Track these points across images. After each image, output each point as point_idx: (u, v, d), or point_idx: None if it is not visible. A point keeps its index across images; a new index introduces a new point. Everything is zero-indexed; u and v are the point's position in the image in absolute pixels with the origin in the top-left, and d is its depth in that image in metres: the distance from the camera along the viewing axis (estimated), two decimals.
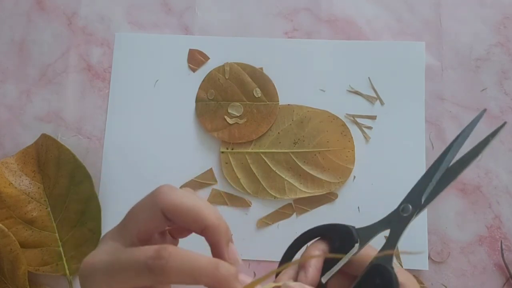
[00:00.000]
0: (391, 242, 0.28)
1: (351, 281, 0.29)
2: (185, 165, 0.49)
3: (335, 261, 0.29)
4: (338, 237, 0.30)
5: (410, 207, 0.29)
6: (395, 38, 0.51)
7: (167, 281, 0.22)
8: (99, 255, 0.25)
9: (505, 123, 0.27)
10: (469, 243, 0.46)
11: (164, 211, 0.24)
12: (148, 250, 0.23)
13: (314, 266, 0.29)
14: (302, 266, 0.29)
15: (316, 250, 0.29)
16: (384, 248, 0.28)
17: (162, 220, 0.25)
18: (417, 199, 0.28)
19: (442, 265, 0.46)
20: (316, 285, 0.29)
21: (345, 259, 0.29)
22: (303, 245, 0.32)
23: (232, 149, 0.49)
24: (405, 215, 0.28)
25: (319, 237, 0.31)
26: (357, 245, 0.28)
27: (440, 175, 0.28)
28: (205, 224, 0.24)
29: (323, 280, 0.29)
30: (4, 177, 0.48)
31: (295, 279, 0.29)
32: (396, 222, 0.29)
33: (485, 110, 0.29)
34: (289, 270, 0.30)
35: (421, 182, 0.29)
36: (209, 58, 0.51)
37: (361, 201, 0.47)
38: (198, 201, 0.25)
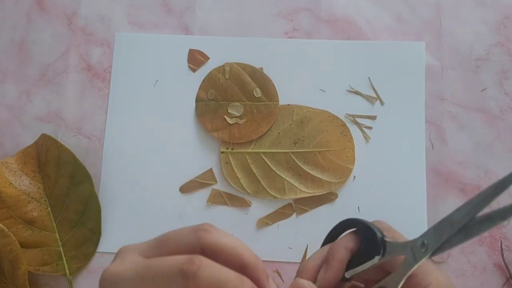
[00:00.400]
0: (401, 272, 0.26)
1: (380, 275, 0.29)
2: (185, 165, 0.49)
3: (362, 260, 0.28)
4: (365, 241, 0.29)
5: (426, 245, 0.26)
6: (395, 38, 0.51)
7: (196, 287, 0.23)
8: (126, 264, 0.25)
9: None
10: (469, 243, 0.46)
11: (205, 248, 0.25)
12: (181, 257, 0.23)
13: (335, 267, 0.28)
14: (326, 261, 0.29)
15: (343, 248, 0.29)
16: (395, 274, 0.27)
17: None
18: (436, 240, 0.25)
19: (442, 265, 0.46)
20: (337, 281, 0.29)
21: (364, 267, 0.28)
22: (340, 234, 0.31)
23: (232, 149, 0.49)
24: (422, 251, 0.26)
25: (354, 229, 0.30)
26: (377, 257, 0.27)
27: (465, 222, 0.25)
28: (245, 263, 0.25)
29: (347, 275, 0.29)
30: (4, 177, 0.48)
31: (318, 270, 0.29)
32: (412, 253, 0.26)
33: None
34: (316, 259, 0.30)
35: (450, 219, 0.26)
36: (209, 58, 0.51)
37: (361, 201, 0.47)
38: (237, 241, 0.25)
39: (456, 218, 0.25)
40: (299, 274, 0.30)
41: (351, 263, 0.29)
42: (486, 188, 0.24)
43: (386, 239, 0.28)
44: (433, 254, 0.25)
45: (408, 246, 0.27)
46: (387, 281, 0.27)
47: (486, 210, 0.24)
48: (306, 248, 0.47)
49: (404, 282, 0.27)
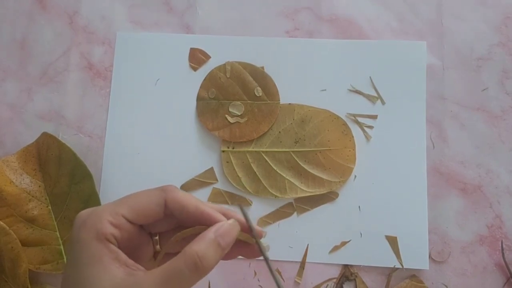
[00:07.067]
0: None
1: None
2: (186, 164, 0.49)
3: None
4: None
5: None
6: (396, 38, 0.51)
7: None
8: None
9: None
10: (469, 243, 0.46)
11: (168, 202, 0.28)
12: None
13: None
14: None
15: None
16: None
17: (161, 210, 0.28)
18: None
19: (443, 265, 0.46)
20: None
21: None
22: None
23: (233, 148, 0.49)
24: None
25: None
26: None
27: None
28: (203, 209, 0.28)
29: None
30: (5, 175, 0.48)
31: None
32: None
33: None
34: None
35: None
36: (210, 57, 0.51)
37: (362, 200, 0.47)
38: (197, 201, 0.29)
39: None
40: None
41: None
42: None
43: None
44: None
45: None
46: None
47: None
48: (307, 247, 0.47)
49: None
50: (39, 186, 0.48)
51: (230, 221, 0.28)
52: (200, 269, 0.26)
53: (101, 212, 0.27)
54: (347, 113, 0.49)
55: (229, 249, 0.28)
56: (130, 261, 0.27)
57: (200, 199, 0.30)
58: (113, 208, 0.27)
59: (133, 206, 0.28)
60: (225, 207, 0.31)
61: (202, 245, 0.26)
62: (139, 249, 0.30)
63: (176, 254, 0.27)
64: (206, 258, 0.26)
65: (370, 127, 0.49)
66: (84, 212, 0.28)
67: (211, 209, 0.29)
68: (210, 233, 0.27)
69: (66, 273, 0.27)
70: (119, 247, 0.27)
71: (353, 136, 0.48)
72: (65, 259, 0.47)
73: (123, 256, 0.27)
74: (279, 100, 0.49)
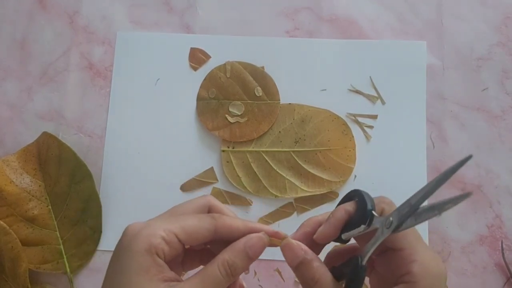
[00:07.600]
0: (372, 243, 0.29)
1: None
2: (186, 163, 0.49)
3: (356, 227, 0.30)
4: (360, 211, 0.31)
5: (391, 223, 0.29)
6: (397, 38, 0.51)
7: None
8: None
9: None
10: (469, 243, 0.46)
11: (218, 228, 0.30)
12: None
13: (333, 224, 0.31)
14: (326, 219, 0.32)
15: (343, 210, 0.32)
16: (368, 244, 0.30)
17: (210, 235, 0.30)
18: (398, 220, 0.29)
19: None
20: (333, 238, 0.32)
21: (353, 232, 0.31)
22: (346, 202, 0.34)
23: (233, 148, 0.49)
24: (387, 227, 0.29)
25: (356, 200, 0.33)
26: (363, 226, 0.30)
27: (417, 208, 0.28)
28: (251, 226, 0.31)
29: (343, 237, 0.31)
30: (5, 175, 0.48)
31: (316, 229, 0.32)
32: (382, 228, 0.29)
33: (470, 156, 0.26)
34: (320, 217, 0.33)
35: (408, 202, 0.29)
36: (210, 57, 0.51)
37: None
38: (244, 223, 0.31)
39: (413, 202, 0.28)
40: (302, 227, 0.33)
41: (348, 228, 0.31)
42: (435, 178, 0.27)
43: (373, 212, 0.30)
44: (394, 231, 0.28)
45: (382, 222, 0.29)
46: (363, 249, 0.30)
47: (432, 201, 0.27)
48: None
49: (390, 255, 0.30)
50: (39, 186, 0.48)
51: (260, 233, 0.31)
52: (229, 275, 0.29)
53: (155, 227, 0.29)
54: (347, 113, 0.49)
55: (258, 257, 0.31)
56: (173, 274, 0.29)
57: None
58: (166, 225, 0.29)
59: (185, 228, 0.29)
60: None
61: (232, 253, 0.30)
62: (176, 258, 0.32)
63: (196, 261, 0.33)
64: (234, 265, 0.29)
65: (370, 127, 0.49)
66: (137, 225, 0.29)
67: (257, 223, 0.32)
68: (240, 244, 0.30)
69: (110, 278, 0.28)
70: (165, 261, 0.29)
71: (353, 136, 0.48)
72: (65, 259, 0.47)
73: (167, 270, 0.28)
74: (279, 100, 0.49)
